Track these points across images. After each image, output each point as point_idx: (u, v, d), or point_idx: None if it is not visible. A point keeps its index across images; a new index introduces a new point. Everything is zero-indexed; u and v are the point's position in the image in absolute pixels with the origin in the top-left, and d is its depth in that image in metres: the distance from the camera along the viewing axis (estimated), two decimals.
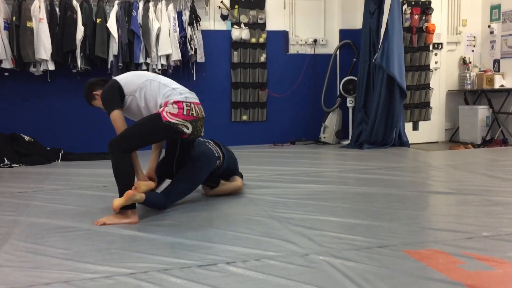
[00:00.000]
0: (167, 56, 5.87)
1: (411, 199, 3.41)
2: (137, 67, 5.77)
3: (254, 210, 3.14)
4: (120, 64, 5.68)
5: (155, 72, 5.86)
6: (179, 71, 6.15)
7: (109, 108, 3.05)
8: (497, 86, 6.90)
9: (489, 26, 7.24)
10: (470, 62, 7.31)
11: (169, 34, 5.84)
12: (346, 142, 6.59)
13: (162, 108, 3.01)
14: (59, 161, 5.52)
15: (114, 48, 5.67)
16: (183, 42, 5.98)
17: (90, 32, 5.65)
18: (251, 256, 2.27)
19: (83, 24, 5.62)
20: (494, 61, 7.17)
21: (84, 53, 5.65)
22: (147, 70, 5.82)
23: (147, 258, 2.28)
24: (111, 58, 5.71)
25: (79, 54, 5.64)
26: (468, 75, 7.15)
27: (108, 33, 5.67)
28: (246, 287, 1.93)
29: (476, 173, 4.30)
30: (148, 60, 5.78)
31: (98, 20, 5.67)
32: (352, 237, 2.55)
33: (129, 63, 5.74)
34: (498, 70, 7.08)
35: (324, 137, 6.71)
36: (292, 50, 6.82)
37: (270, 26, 6.64)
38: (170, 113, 2.99)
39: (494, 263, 2.16)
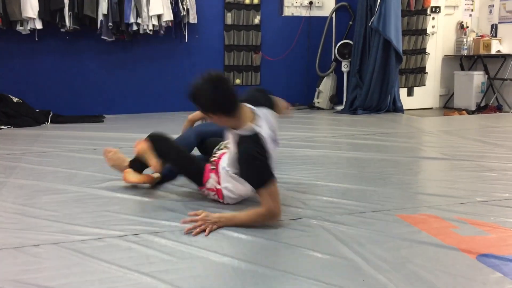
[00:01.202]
0: (159, 17, 5.71)
1: (405, 164, 3.39)
2: (128, 27, 5.61)
3: None
4: (110, 24, 5.52)
5: (146, 32, 5.70)
6: (171, 32, 5.99)
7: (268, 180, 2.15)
8: (493, 51, 6.82)
9: None
10: (468, 27, 7.20)
11: None
12: (340, 108, 6.53)
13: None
14: (48, 123, 5.42)
15: (103, 7, 5.49)
16: (175, 2, 5.80)
17: None
18: None
19: None
20: (492, 26, 7.06)
21: (73, 12, 5.47)
22: (138, 30, 5.66)
23: (138, 220, 2.25)
24: (100, 17, 5.54)
25: (67, 13, 5.45)
26: (465, 40, 7.05)
27: None
28: (237, 250, 1.91)
29: (470, 139, 4.29)
30: (139, 20, 5.61)
31: None
32: (345, 201, 2.53)
33: (119, 23, 5.58)
34: (496, 35, 6.98)
35: (318, 102, 6.64)
36: (287, 12, 6.66)
37: None
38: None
39: (488, 228, 2.15)
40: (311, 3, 6.67)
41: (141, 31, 5.69)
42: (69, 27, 5.50)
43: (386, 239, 2.03)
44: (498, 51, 6.84)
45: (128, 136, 4.49)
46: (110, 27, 5.54)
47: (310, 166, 3.32)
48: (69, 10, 5.45)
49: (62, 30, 5.56)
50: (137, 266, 1.78)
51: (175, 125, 5.15)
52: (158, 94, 6.26)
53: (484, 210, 2.41)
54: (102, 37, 5.61)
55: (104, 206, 2.47)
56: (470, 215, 2.32)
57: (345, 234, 2.07)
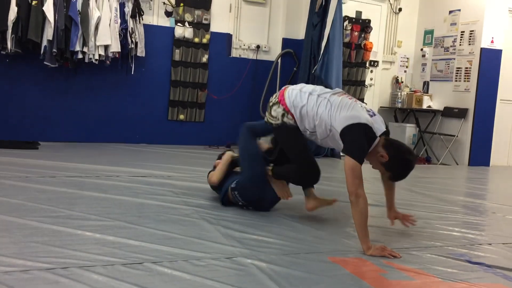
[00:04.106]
0: (106, 47, 5.68)
1: (339, 208, 3.49)
2: (73, 54, 5.53)
3: (185, 211, 3.09)
4: (54, 50, 5.41)
5: (92, 61, 5.65)
6: (117, 63, 5.96)
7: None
8: (425, 106, 7.30)
9: (421, 49, 7.65)
10: (402, 82, 7.68)
11: (109, 24, 5.65)
12: None
13: None
14: None
15: (48, 33, 5.39)
16: (124, 34, 5.81)
17: (24, 14, 5.33)
18: (179, 257, 2.23)
19: (17, 5, 5.30)
20: (424, 82, 7.58)
21: (16, 35, 5.33)
22: (83, 58, 5.60)
23: (68, 253, 2.17)
24: (44, 42, 5.43)
25: (10, 36, 5.30)
26: (399, 94, 7.50)
27: (44, 17, 5.39)
28: (171, 287, 1.89)
29: (400, 188, 4.49)
30: (85, 49, 5.55)
31: (34, 3, 5.36)
32: (281, 242, 2.58)
33: (64, 50, 5.49)
34: (427, 92, 7.49)
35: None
36: (235, 53, 6.83)
37: (214, 28, 6.61)
38: None
39: (413, 274, 2.26)
40: (258, 47, 6.89)
41: (86, 60, 5.63)
42: (11, 50, 5.34)
43: (318, 281, 2.08)
44: (429, 106, 7.33)
45: (62, 165, 4.36)
46: (54, 53, 5.43)
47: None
48: (12, 33, 5.30)
49: (2, 52, 5.39)
50: None
51: (114, 157, 5.07)
52: (98, 124, 6.14)
53: (411, 256, 2.53)
54: (45, 62, 5.48)
55: (32, 237, 2.36)
56: (398, 260, 2.43)
57: (278, 275, 2.10)
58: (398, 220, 3.05)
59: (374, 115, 2.73)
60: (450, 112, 7.09)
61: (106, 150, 5.56)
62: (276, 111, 2.93)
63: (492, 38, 6.73)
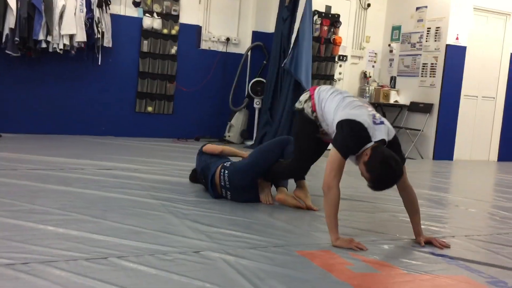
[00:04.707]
0: (71, 36, 5.52)
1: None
2: (36, 44, 5.36)
3: (152, 205, 3.05)
4: (16, 38, 5.23)
5: (56, 51, 5.49)
6: (83, 53, 5.81)
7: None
8: (392, 101, 7.42)
9: (389, 45, 7.75)
10: (370, 77, 7.78)
11: (74, 13, 5.50)
12: (250, 143, 6.66)
13: None
14: None
15: (10, 21, 5.21)
16: (90, 23, 5.66)
17: None
18: (145, 251, 2.20)
19: None
20: (391, 78, 7.69)
21: None
22: (47, 48, 5.43)
23: (29, 248, 2.10)
24: (6, 31, 5.24)
25: None
26: (367, 88, 7.60)
27: (6, 5, 5.19)
28: (136, 282, 1.86)
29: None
30: (49, 38, 5.39)
31: None
32: (248, 235, 2.57)
33: (27, 39, 5.31)
34: (394, 87, 7.61)
35: (229, 136, 6.73)
36: (204, 45, 6.76)
37: (183, 19, 6.53)
38: None
39: (378, 266, 2.29)
40: (228, 39, 6.84)
41: (50, 49, 5.46)
42: None
43: (285, 274, 2.08)
44: (396, 101, 7.45)
45: (24, 157, 4.23)
46: (16, 42, 5.25)
47: (216, 199, 3.33)
48: None
49: None
50: None
51: (79, 150, 4.95)
52: (63, 115, 5.98)
53: (377, 248, 2.56)
54: (7, 51, 5.30)
55: None
56: (364, 253, 2.46)
57: (246, 268, 2.09)
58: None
59: (382, 123, 2.64)
60: (416, 107, 7.22)
61: (71, 142, 5.43)
62: (304, 95, 3.16)
63: (457, 35, 6.88)
